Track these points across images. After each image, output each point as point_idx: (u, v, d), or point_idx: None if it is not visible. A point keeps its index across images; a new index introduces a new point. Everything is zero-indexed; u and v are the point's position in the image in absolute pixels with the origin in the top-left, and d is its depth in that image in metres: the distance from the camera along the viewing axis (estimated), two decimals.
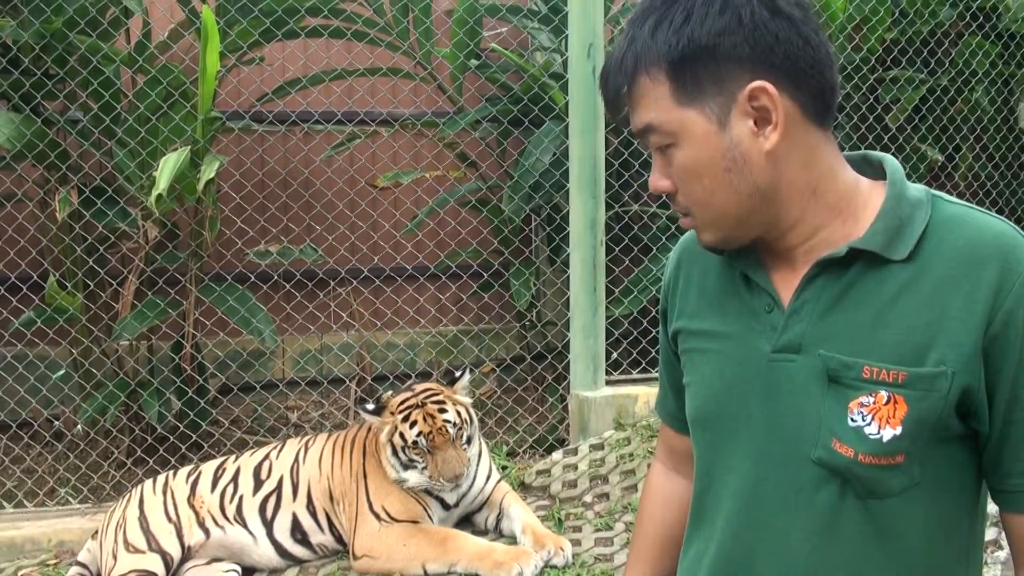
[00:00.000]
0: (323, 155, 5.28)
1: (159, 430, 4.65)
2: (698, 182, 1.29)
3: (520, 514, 3.89)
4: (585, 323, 4.64)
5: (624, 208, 5.28)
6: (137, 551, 3.64)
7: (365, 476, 3.81)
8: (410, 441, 3.67)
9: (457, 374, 3.94)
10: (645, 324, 5.08)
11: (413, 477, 3.71)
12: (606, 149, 4.66)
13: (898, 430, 1.23)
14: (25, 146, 4.26)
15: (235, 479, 3.88)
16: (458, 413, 3.75)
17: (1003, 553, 3.60)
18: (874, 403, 1.24)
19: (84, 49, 4.31)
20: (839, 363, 1.26)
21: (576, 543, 3.86)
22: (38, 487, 4.57)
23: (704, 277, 1.46)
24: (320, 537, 3.85)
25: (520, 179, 5.01)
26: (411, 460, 3.70)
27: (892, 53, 5.34)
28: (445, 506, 3.85)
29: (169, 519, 3.74)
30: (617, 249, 5.06)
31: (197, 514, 3.78)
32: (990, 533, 3.64)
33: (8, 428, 4.74)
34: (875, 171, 1.35)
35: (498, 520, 3.96)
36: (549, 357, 5.22)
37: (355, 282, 5.32)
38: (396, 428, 3.70)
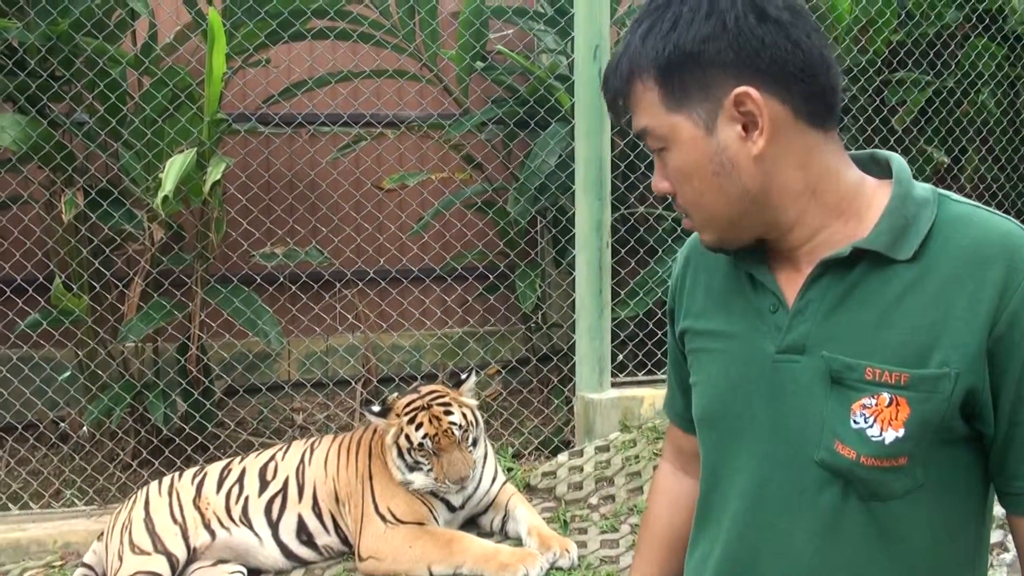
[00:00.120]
0: (329, 157, 5.28)
1: (165, 432, 4.64)
2: (689, 184, 1.30)
3: (526, 516, 3.89)
4: (591, 325, 4.63)
5: (630, 210, 5.28)
6: (143, 552, 3.65)
7: (371, 478, 3.81)
8: (416, 443, 3.67)
9: (463, 376, 3.94)
10: (651, 326, 5.07)
11: (419, 479, 3.71)
12: (612, 151, 4.66)
13: (900, 432, 1.22)
14: (31, 148, 4.26)
15: (240, 480, 3.89)
16: (464, 415, 3.75)
17: (1009, 556, 3.59)
18: (876, 405, 1.23)
19: (90, 51, 4.32)
20: (842, 364, 1.25)
21: (582, 545, 3.86)
22: (43, 489, 4.58)
23: (712, 277, 1.46)
24: (326, 538, 3.85)
25: (526, 181, 5.00)
26: (417, 462, 3.70)
27: (898, 55, 5.33)
28: (451, 508, 3.85)
29: (175, 520, 3.74)
30: (623, 251, 5.06)
31: (203, 515, 3.78)
32: (996, 535, 3.62)
33: (14, 430, 4.75)
34: (882, 170, 1.34)
35: (503, 522, 3.96)
36: (555, 359, 5.21)
37: (361, 284, 5.31)
38: (402, 430, 3.70)
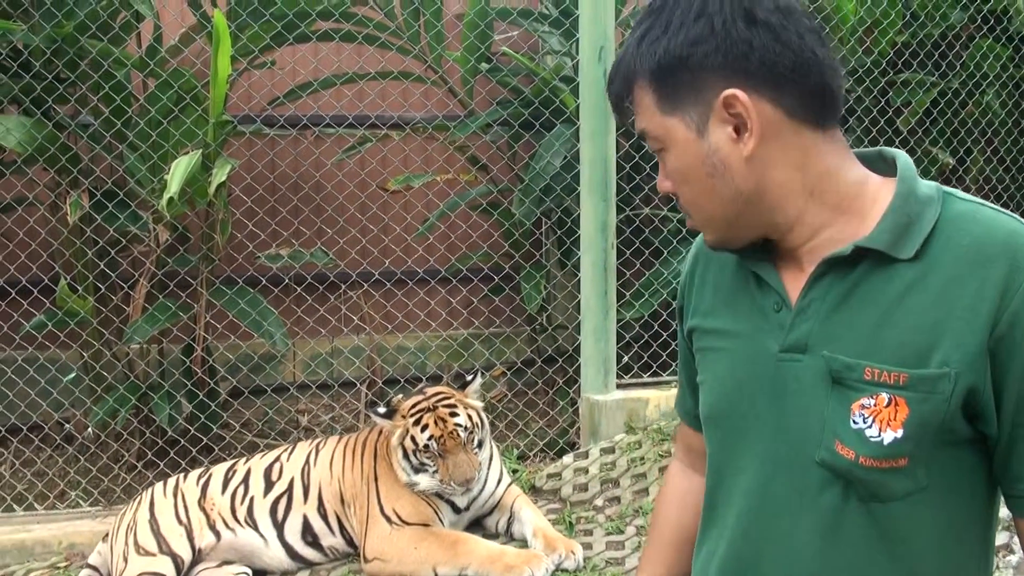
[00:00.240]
0: (334, 159, 5.29)
1: (170, 433, 4.65)
2: (686, 186, 1.32)
3: (531, 517, 3.88)
4: (596, 326, 4.63)
5: (635, 211, 5.28)
6: (148, 554, 3.65)
7: (376, 479, 3.81)
8: (421, 445, 3.67)
9: (468, 378, 3.94)
10: (656, 327, 5.06)
11: (424, 480, 3.71)
12: (617, 152, 4.65)
13: (899, 433, 1.22)
14: (36, 150, 4.27)
15: (246, 481, 3.89)
16: (469, 417, 3.75)
17: (1015, 558, 3.58)
18: (875, 405, 1.23)
19: (95, 53, 4.33)
20: (842, 364, 1.25)
21: (587, 547, 3.86)
22: (48, 490, 4.59)
23: (720, 275, 1.46)
24: (331, 539, 3.85)
25: (531, 182, 5.01)
26: (422, 464, 3.70)
27: (903, 56, 5.33)
28: (456, 509, 3.85)
29: (180, 521, 3.74)
30: (628, 252, 5.05)
31: (208, 516, 3.78)
32: (1002, 537, 3.62)
33: (19, 431, 4.76)
34: (890, 168, 1.33)
35: (509, 523, 3.96)
36: (560, 360, 5.21)
37: (366, 285, 5.32)
38: (407, 431, 3.70)
